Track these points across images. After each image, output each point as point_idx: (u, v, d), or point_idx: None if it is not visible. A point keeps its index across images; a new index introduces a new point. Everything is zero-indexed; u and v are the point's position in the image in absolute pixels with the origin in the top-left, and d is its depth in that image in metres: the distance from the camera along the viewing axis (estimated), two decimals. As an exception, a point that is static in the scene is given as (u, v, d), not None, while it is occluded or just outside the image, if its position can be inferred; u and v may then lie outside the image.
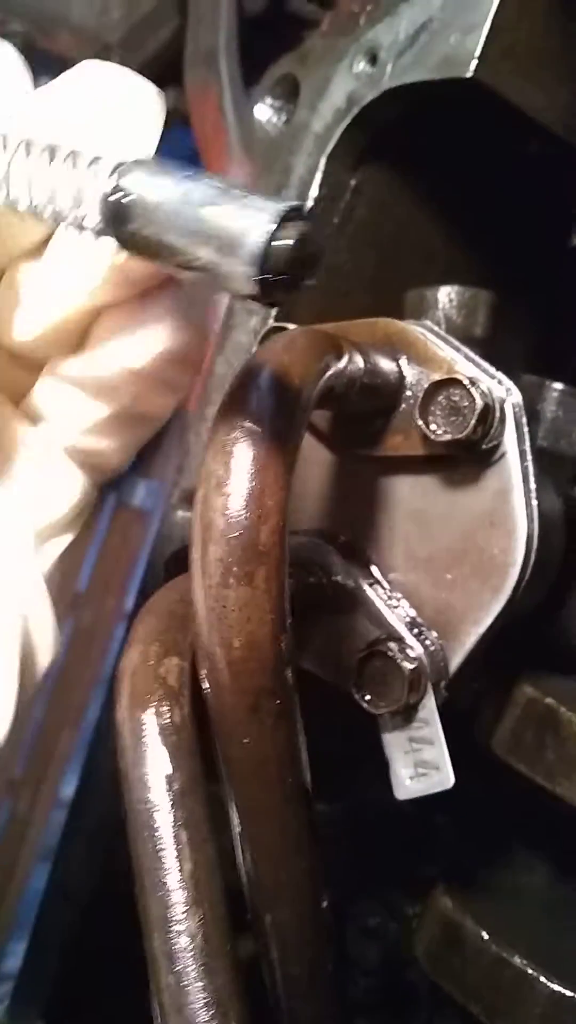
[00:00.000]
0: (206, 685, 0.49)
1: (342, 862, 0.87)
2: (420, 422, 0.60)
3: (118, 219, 0.41)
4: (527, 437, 0.62)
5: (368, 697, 0.61)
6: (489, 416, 0.59)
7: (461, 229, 0.87)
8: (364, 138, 0.81)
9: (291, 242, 0.37)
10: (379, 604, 0.64)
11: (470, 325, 0.73)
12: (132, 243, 0.41)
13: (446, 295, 0.73)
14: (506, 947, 0.66)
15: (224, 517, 0.46)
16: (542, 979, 0.64)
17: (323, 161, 0.80)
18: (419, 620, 0.64)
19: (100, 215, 0.42)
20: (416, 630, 0.63)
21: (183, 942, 0.46)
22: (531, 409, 0.79)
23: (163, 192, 0.40)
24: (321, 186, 0.81)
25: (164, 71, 1.49)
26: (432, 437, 0.60)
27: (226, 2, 1.27)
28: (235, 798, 0.51)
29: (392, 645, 0.61)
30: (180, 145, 1.59)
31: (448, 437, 0.59)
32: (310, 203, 0.81)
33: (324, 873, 0.54)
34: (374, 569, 0.66)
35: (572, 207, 0.78)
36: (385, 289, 0.83)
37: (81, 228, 0.43)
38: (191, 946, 0.46)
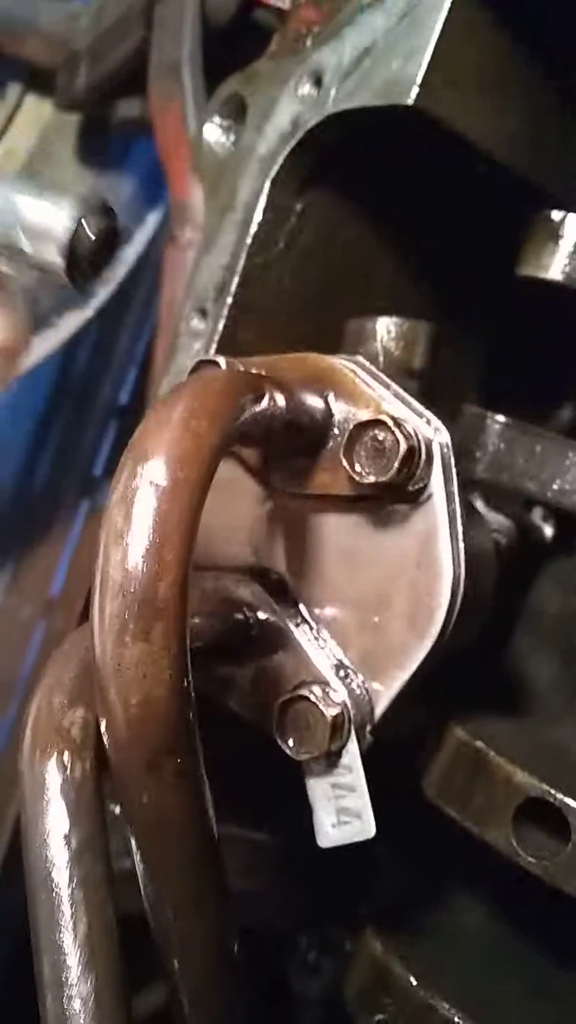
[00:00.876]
0: (106, 740, 0.48)
1: (281, 893, 0.86)
2: (345, 463, 0.59)
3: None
4: (455, 479, 0.61)
5: (290, 742, 0.60)
6: (414, 458, 0.58)
7: (409, 256, 0.86)
8: (309, 162, 0.80)
9: (92, 231, 0.45)
10: (305, 645, 0.62)
11: (409, 357, 0.72)
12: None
13: (385, 327, 0.72)
14: (434, 993, 0.65)
15: (122, 571, 0.45)
16: (467, 1028, 0.63)
17: (267, 185, 0.79)
18: (345, 662, 0.63)
19: None
20: (342, 672, 0.62)
21: (75, 1006, 0.45)
22: (474, 441, 0.78)
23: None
24: (265, 210, 0.79)
25: (130, 81, 1.47)
26: (357, 478, 0.59)
27: (191, 14, 1.25)
28: (138, 854, 0.49)
29: (316, 690, 0.60)
30: (145, 155, 1.58)
31: (372, 479, 0.58)
32: (255, 227, 0.79)
33: (235, 922, 0.53)
34: (302, 608, 0.64)
35: (516, 236, 0.77)
36: (329, 314, 0.82)
37: None
38: (83, 1010, 0.45)
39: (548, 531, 0.94)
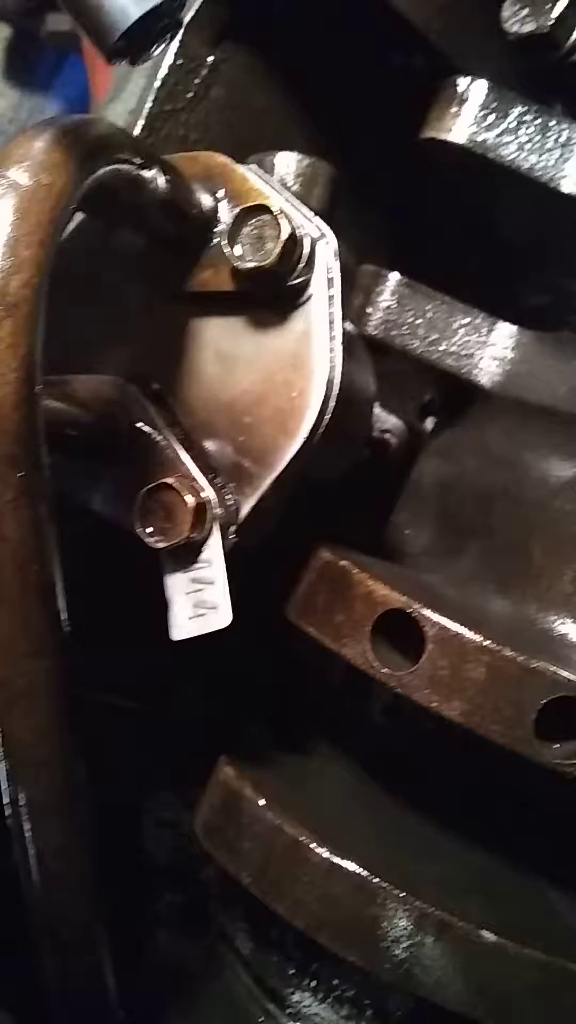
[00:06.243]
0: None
1: (143, 757, 0.84)
2: (227, 250, 0.58)
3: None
4: (338, 284, 0.61)
5: (151, 531, 0.59)
6: (296, 249, 0.58)
7: (318, 127, 0.86)
8: (224, 13, 0.79)
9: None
10: (175, 446, 0.61)
11: (306, 195, 0.72)
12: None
13: (285, 161, 0.72)
14: (281, 815, 0.64)
15: (-28, 261, 0.43)
16: (315, 847, 0.62)
17: (180, 31, 0.79)
18: (214, 464, 0.62)
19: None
20: (211, 474, 0.61)
21: None
22: (368, 299, 0.78)
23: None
24: (176, 55, 0.79)
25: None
26: (237, 264, 0.58)
27: None
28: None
29: (180, 480, 0.59)
30: (76, 74, 1.57)
31: (253, 264, 0.58)
32: (164, 70, 0.79)
33: (71, 674, 0.51)
34: (177, 413, 0.64)
35: (423, 100, 0.77)
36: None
37: None
38: None
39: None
